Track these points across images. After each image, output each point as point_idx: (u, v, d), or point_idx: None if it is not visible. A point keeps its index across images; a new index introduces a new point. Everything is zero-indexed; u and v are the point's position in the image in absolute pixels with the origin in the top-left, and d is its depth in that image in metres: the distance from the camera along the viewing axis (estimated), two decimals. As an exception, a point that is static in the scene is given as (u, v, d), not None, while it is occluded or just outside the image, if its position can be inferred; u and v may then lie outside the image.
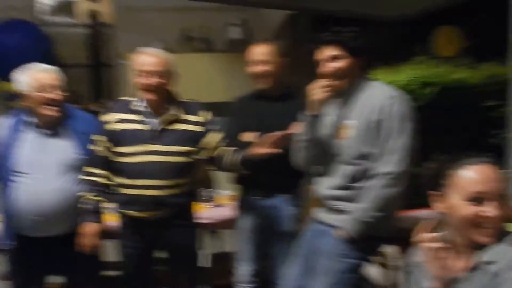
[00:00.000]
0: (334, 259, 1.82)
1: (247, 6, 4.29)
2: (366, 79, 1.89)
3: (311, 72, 1.93)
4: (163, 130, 2.08)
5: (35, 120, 2.12)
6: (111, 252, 2.33)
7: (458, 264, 1.25)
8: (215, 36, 4.80)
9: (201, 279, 2.52)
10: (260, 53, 2.26)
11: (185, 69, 4.68)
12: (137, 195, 2.05)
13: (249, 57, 2.30)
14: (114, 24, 4.57)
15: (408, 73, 5.24)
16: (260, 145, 2.00)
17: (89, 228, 2.06)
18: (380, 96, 1.78)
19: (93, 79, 4.90)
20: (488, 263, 1.17)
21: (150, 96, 2.06)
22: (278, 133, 1.96)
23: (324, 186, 1.91)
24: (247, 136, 2.27)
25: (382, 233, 1.84)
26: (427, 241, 1.23)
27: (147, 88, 2.04)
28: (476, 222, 1.20)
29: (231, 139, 2.27)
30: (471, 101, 5.45)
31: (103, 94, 4.86)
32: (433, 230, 1.25)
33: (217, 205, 3.05)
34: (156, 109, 2.09)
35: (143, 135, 2.07)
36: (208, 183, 3.14)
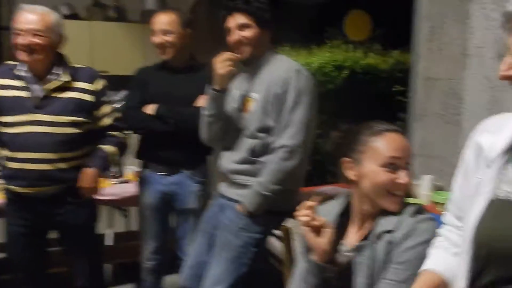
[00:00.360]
0: (235, 234, 1.81)
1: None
2: (272, 53, 1.88)
3: (225, 43, 1.88)
4: (48, 97, 1.89)
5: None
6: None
7: (359, 233, 1.28)
8: (129, 5, 4.57)
9: (103, 258, 2.41)
10: (162, 22, 2.16)
11: (96, 37, 4.45)
12: (20, 169, 1.87)
13: (152, 26, 2.20)
14: (13, -17, 4.17)
15: (321, 56, 5.39)
16: None
17: None
18: (282, 70, 1.78)
19: (-10, 43, 4.45)
20: (388, 231, 1.20)
21: (26, 58, 1.84)
22: None
23: (228, 160, 1.89)
24: (148, 108, 2.18)
25: (285, 207, 1.85)
26: (302, 215, 1.24)
27: (22, 49, 1.83)
28: (389, 189, 1.22)
29: (132, 109, 2.17)
30: (381, 85, 5.75)
31: (3, 59, 4.44)
32: (319, 204, 1.26)
33: (123, 181, 2.93)
34: (39, 74, 1.89)
35: (25, 103, 1.87)
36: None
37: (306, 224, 1.24)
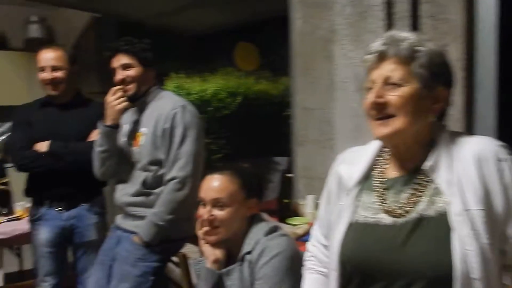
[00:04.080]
0: (133, 264, 1.87)
1: (45, 3, 4.01)
2: (158, 88, 2.00)
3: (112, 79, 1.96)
4: None
5: None
6: None
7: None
8: (11, 32, 4.37)
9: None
10: (50, 58, 2.19)
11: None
12: None
13: (38, 62, 2.21)
14: None
15: (215, 83, 5.63)
16: None
17: None
18: (168, 105, 1.90)
19: None
20: (248, 253, 1.39)
21: None
22: None
23: (122, 193, 1.96)
24: (39, 146, 2.17)
25: (180, 235, 1.97)
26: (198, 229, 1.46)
27: None
28: (200, 224, 1.48)
29: (22, 151, 2.15)
30: (273, 110, 6.12)
31: None
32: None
33: (13, 219, 2.81)
34: None
35: None
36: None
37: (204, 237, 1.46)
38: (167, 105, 1.90)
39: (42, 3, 4.10)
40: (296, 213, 2.51)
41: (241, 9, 3.94)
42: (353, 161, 1.17)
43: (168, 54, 4.96)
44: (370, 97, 1.03)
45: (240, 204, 1.45)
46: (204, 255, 1.47)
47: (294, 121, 2.66)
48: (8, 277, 2.90)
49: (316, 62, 2.47)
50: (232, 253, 1.49)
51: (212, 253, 1.44)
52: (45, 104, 2.27)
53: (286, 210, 2.49)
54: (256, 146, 5.17)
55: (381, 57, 1.02)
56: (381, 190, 1.10)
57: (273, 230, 1.44)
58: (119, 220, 2.01)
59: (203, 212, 1.45)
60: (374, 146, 1.17)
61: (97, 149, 1.95)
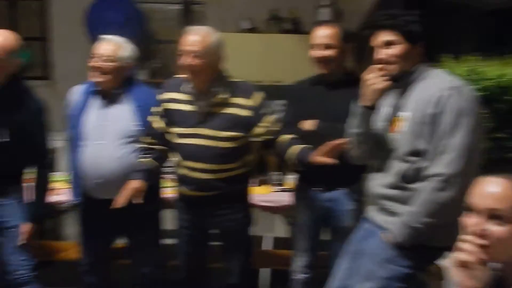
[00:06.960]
0: (379, 264, 1.68)
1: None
2: (426, 68, 1.69)
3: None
4: (210, 113, 2.04)
5: (97, 88, 2.21)
6: (170, 221, 2.39)
7: None
8: (304, 17, 4.68)
9: (259, 262, 2.51)
10: (322, 36, 2.15)
11: (273, 49, 4.68)
12: (187, 175, 2.09)
13: (311, 40, 2.19)
14: (204, 1, 4.68)
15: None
16: (319, 153, 1.92)
17: (132, 183, 2.08)
18: (438, 87, 1.58)
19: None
20: None
21: (189, 76, 2.00)
22: (337, 142, 1.87)
23: (376, 183, 1.76)
24: (307, 124, 2.18)
25: (438, 243, 1.65)
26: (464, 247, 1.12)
27: (183, 67, 1.99)
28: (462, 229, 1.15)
29: (289, 125, 2.19)
30: None
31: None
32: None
33: (282, 190, 3.01)
34: (201, 90, 2.04)
35: (190, 117, 2.05)
36: (270, 167, 3.10)
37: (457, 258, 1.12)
38: (436, 86, 1.59)
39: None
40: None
41: None
42: None
43: (463, 33, 4.36)
44: None
45: None
46: (454, 280, 1.14)
47: None
48: (277, 241, 3.14)
49: None
50: (501, 285, 1.12)
51: (467, 279, 1.10)
52: (316, 82, 2.27)
53: None
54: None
55: None
56: None
57: None
58: (370, 212, 1.83)
59: (471, 222, 1.13)
60: None
61: (353, 130, 1.81)
